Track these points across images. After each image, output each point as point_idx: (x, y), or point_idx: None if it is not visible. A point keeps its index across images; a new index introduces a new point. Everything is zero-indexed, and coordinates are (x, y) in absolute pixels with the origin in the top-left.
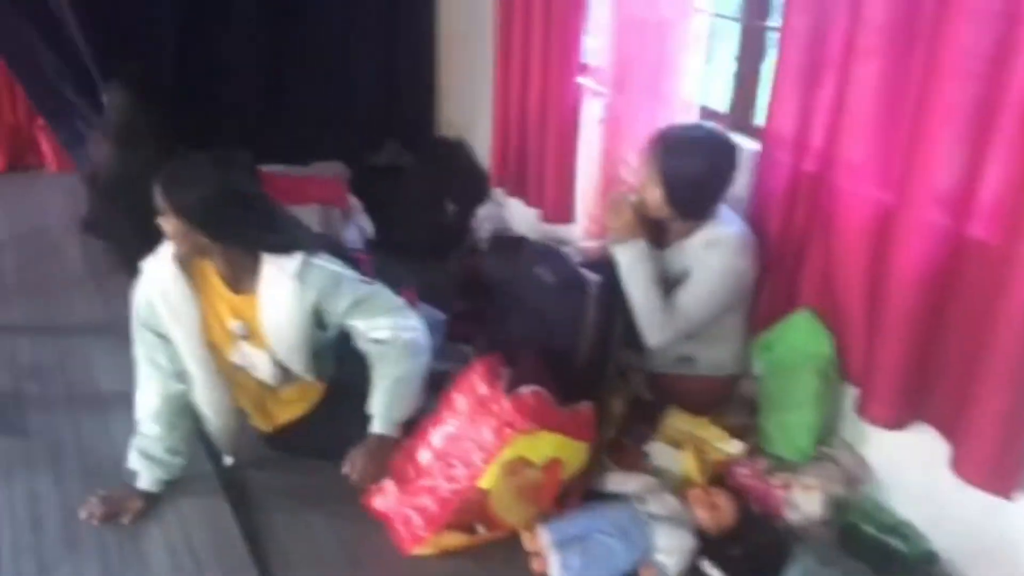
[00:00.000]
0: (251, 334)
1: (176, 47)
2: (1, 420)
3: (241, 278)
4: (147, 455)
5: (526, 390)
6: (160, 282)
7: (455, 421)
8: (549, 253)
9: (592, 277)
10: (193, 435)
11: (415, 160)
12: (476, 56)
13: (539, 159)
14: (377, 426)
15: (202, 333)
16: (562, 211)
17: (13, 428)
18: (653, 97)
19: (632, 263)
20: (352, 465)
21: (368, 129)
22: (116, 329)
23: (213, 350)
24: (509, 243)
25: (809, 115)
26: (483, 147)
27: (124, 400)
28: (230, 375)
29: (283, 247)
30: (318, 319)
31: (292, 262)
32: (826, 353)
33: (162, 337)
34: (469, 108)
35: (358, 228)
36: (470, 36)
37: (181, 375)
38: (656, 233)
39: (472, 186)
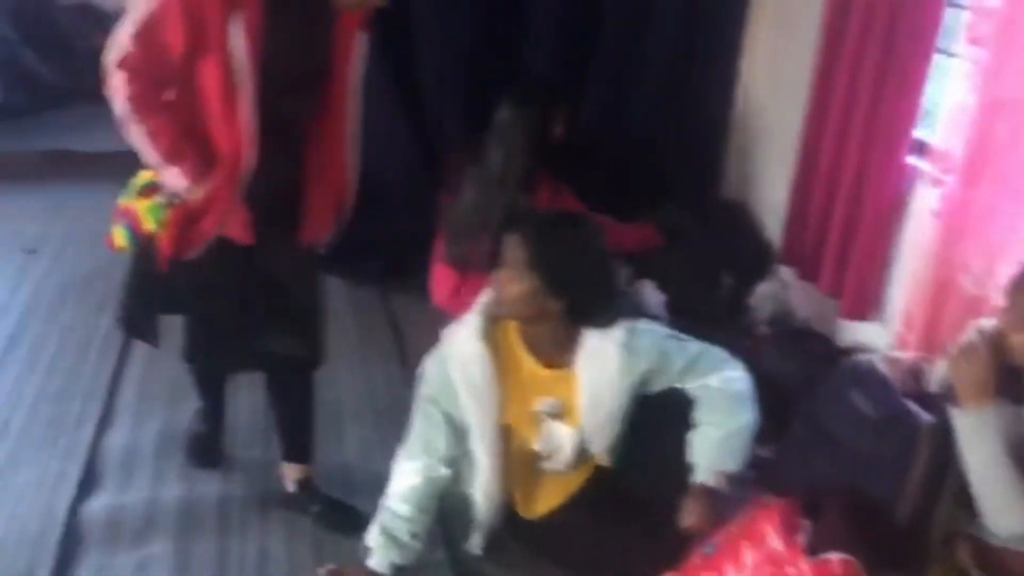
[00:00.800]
0: (563, 412)
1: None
2: (246, 470)
3: (557, 351)
4: (389, 533)
5: (833, 557)
6: (462, 358)
7: None
8: (870, 377)
9: (924, 416)
10: (434, 522)
11: (694, 223)
12: (781, 113)
13: (844, 243)
14: (704, 476)
15: (500, 416)
16: (864, 307)
17: (255, 478)
18: (1017, 197)
19: (976, 433)
20: (688, 512)
21: (648, 185)
22: (374, 388)
23: (507, 433)
24: (796, 335)
25: None
26: (773, 216)
27: (372, 469)
28: (515, 459)
29: (614, 318)
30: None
31: (618, 330)
32: None
33: (448, 417)
34: (762, 171)
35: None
36: (778, 89)
37: (451, 459)
38: (1016, 382)
39: (754, 259)
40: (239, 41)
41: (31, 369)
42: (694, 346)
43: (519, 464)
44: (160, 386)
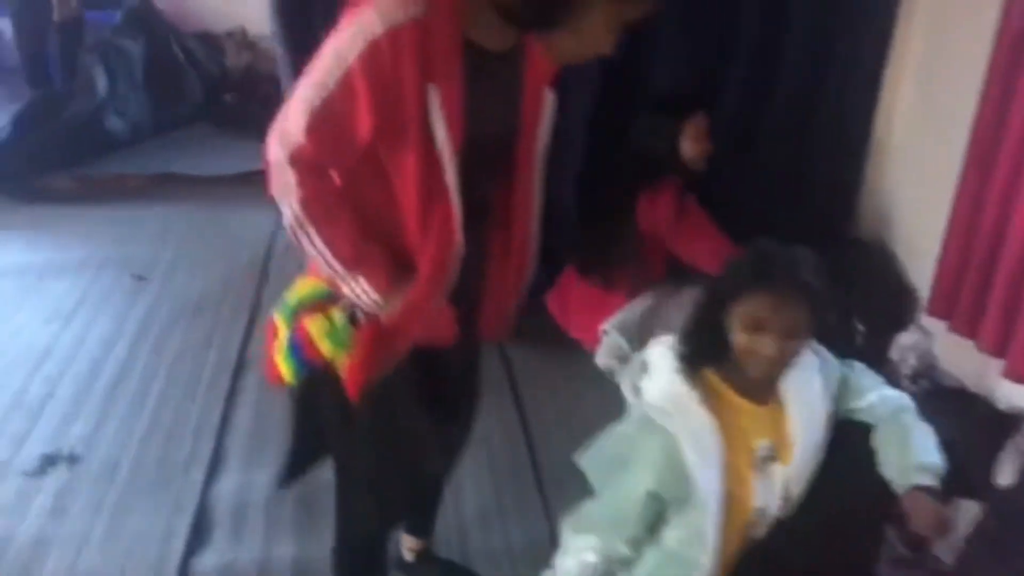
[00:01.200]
0: (779, 452)
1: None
2: None
3: (765, 384)
4: None
5: None
6: (694, 432)
7: None
8: None
9: None
10: None
11: (824, 262)
12: (934, 142)
13: (1012, 296)
14: (916, 477)
15: (726, 481)
16: None
17: None
18: None
19: None
20: (916, 516)
21: (775, 218)
22: (492, 450)
23: (728, 500)
24: (948, 395)
25: None
26: (916, 260)
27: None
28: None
29: None
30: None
31: (809, 353)
32: None
33: (654, 499)
34: (905, 208)
35: None
36: (930, 115)
37: (635, 541)
38: None
39: (891, 306)
40: (439, 116)
41: (140, 404)
42: (858, 365)
43: (729, 535)
44: (272, 426)
